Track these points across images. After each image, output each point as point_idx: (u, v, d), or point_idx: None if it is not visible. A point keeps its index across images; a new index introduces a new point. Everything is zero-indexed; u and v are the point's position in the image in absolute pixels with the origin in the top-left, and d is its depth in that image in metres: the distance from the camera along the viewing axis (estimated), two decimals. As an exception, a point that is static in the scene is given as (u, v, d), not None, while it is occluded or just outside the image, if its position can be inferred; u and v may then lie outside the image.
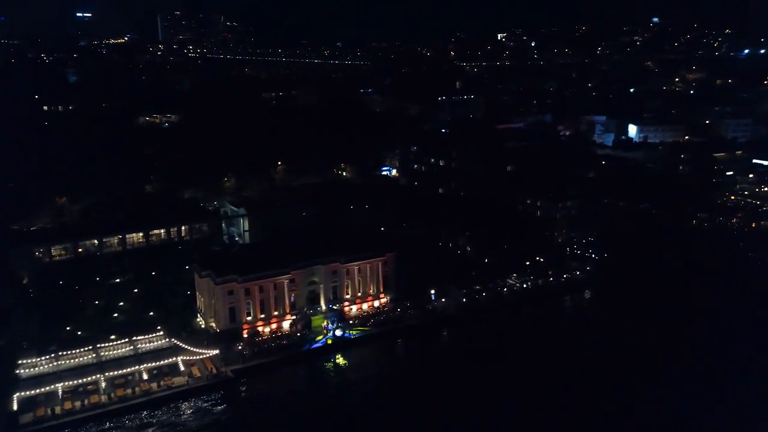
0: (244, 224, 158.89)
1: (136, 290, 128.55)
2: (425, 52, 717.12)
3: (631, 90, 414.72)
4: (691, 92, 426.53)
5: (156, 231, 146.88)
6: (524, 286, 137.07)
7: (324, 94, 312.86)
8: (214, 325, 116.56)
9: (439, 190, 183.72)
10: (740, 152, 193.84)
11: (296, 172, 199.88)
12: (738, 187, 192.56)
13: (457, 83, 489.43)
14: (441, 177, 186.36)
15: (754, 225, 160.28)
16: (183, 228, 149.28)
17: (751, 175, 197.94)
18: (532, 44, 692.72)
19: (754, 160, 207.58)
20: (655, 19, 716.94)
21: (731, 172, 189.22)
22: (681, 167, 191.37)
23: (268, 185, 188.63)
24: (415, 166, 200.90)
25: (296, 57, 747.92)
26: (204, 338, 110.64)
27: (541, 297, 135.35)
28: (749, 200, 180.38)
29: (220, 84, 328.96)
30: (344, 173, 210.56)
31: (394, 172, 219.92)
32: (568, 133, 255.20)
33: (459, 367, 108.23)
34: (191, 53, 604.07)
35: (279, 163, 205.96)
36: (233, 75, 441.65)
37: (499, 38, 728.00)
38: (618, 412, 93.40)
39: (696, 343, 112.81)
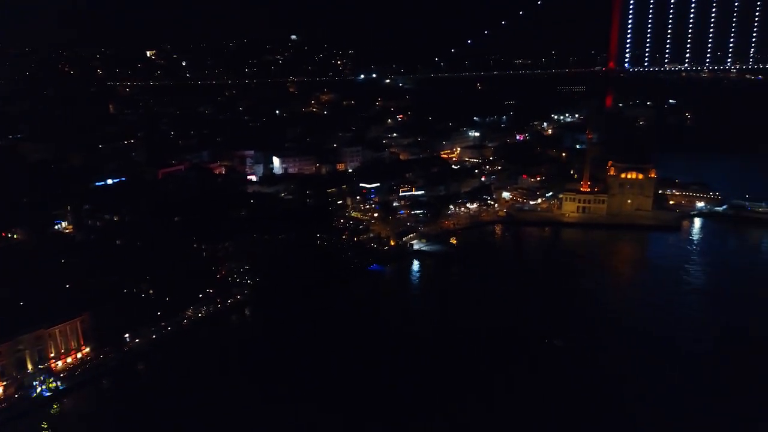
0: None
1: None
2: (68, 70, 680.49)
3: (277, 112, 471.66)
4: (325, 113, 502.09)
5: None
6: (200, 315, 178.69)
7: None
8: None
9: (117, 242, 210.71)
10: (345, 187, 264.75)
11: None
12: (350, 208, 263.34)
13: (111, 107, 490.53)
14: (116, 231, 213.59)
15: (356, 239, 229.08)
16: None
17: (358, 197, 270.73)
18: (183, 63, 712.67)
19: (361, 184, 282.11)
20: (294, 37, 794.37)
21: (341, 201, 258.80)
22: (308, 199, 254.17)
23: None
24: (89, 221, 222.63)
25: None
26: None
27: (214, 320, 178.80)
28: (356, 220, 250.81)
29: None
30: (15, 236, 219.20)
31: (65, 224, 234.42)
32: (224, 171, 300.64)
33: (156, 391, 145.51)
34: None
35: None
36: None
37: (149, 55, 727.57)
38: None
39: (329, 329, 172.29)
